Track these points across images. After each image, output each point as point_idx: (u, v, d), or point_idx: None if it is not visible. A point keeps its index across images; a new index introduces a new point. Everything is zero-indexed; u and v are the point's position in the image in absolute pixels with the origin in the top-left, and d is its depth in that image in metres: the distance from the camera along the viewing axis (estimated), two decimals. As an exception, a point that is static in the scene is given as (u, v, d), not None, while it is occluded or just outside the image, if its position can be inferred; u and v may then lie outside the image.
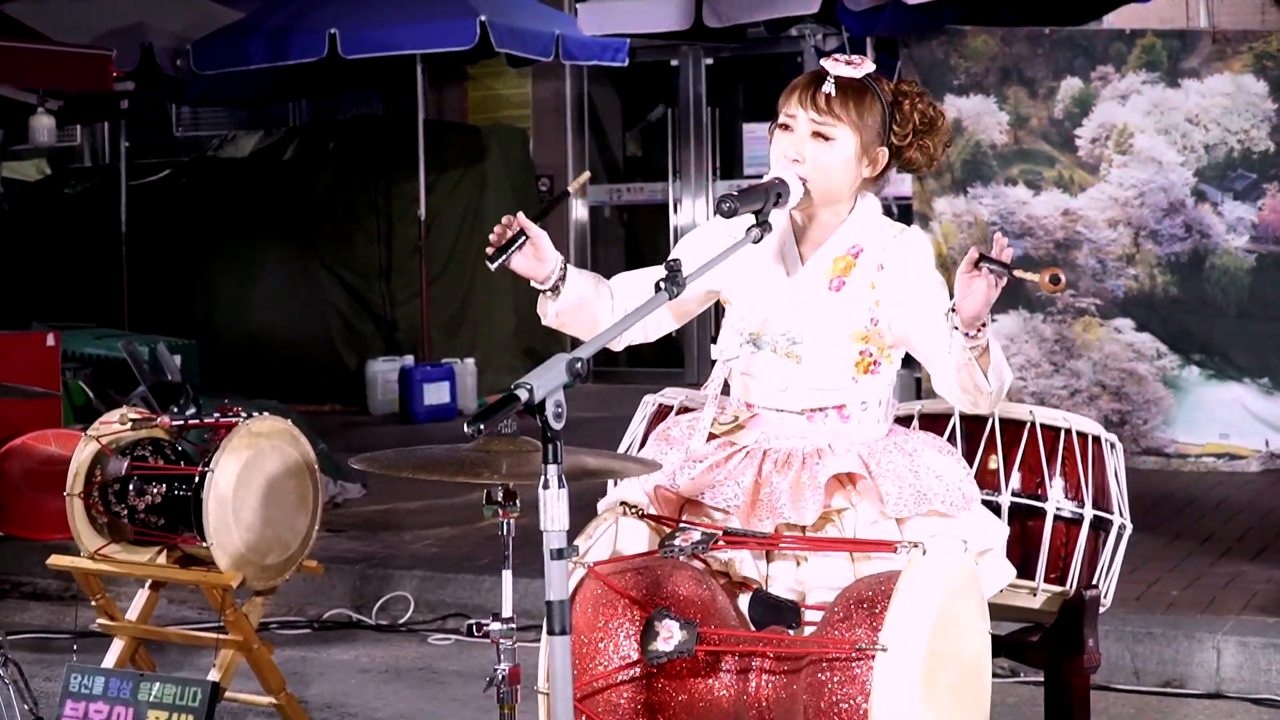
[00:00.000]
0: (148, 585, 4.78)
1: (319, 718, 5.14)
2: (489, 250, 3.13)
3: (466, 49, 10.33)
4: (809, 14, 8.40)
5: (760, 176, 3.21)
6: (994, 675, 3.10)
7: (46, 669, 5.44)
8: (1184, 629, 5.43)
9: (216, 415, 4.62)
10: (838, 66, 3.18)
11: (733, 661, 2.93)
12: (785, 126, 3.18)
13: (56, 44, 9.18)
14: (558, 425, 2.49)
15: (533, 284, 3.21)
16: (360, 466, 3.04)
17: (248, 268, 11.59)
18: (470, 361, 11.24)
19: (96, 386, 8.81)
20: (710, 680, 2.92)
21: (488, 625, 2.98)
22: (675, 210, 12.32)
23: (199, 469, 4.48)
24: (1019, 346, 8.47)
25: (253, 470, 4.50)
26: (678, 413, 3.69)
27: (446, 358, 11.14)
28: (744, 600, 3.07)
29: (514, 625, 2.99)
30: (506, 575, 3.02)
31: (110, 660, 4.67)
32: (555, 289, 3.20)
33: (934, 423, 3.72)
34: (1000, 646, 3.76)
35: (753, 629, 3.01)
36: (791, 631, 2.98)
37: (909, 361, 3.32)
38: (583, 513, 2.98)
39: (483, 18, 10.08)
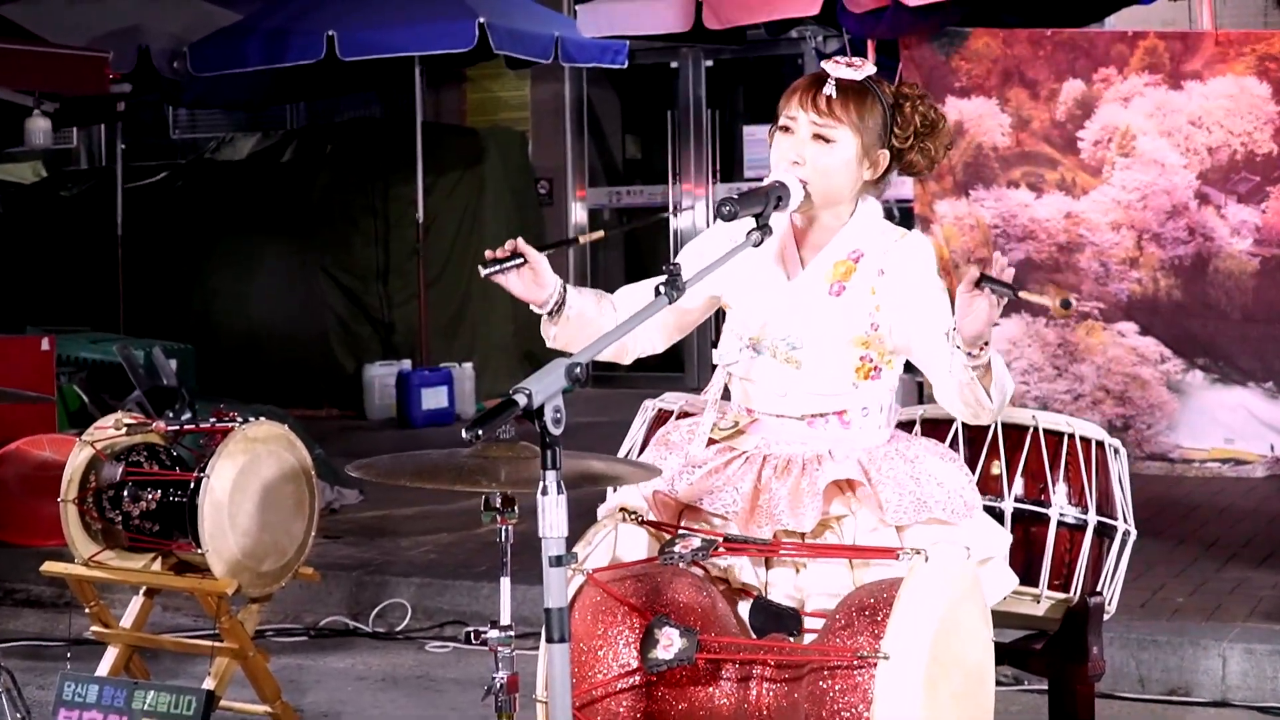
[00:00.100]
0: (142, 592, 4.77)
1: (315, 726, 5.13)
2: (485, 259, 3.14)
3: (465, 51, 10.33)
4: (809, 16, 8.40)
5: (761, 180, 3.21)
6: (997, 683, 3.09)
7: (40, 677, 5.43)
8: (1189, 636, 5.42)
9: (212, 420, 4.62)
10: (839, 68, 3.18)
11: (733, 669, 2.92)
12: (785, 129, 3.18)
13: (53, 46, 9.18)
14: (556, 430, 2.48)
15: (532, 308, 3.22)
16: (357, 474, 3.03)
17: (244, 271, 11.59)
18: (468, 366, 11.24)
19: (91, 391, 8.80)
20: (711, 688, 2.91)
21: (486, 633, 2.98)
22: (675, 213, 12.31)
23: (194, 475, 4.47)
24: (1021, 350, 8.46)
25: (249, 476, 4.49)
26: (678, 418, 3.68)
27: (444, 362, 11.13)
28: (744, 607, 3.07)
29: (512, 633, 2.98)
30: (505, 582, 3.01)
31: (104, 668, 4.66)
32: (555, 312, 3.21)
33: (936, 428, 3.71)
34: (1003, 654, 3.76)
35: (753, 636, 3.00)
36: (793, 639, 2.97)
37: (911, 366, 3.32)
38: (582, 519, 2.97)
39: (481, 19, 10.08)
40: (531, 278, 3.17)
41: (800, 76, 3.26)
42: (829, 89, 3.15)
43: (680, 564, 3.03)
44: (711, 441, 3.26)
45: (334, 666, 5.83)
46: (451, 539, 7.20)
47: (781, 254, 3.25)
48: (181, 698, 4.22)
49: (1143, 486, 5.03)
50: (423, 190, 10.96)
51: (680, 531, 3.11)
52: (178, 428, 4.67)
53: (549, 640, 2.51)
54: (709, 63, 12.43)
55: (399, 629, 6.24)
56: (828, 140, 3.15)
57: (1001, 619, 3.33)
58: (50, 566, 4.77)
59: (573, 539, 2.63)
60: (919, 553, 2.86)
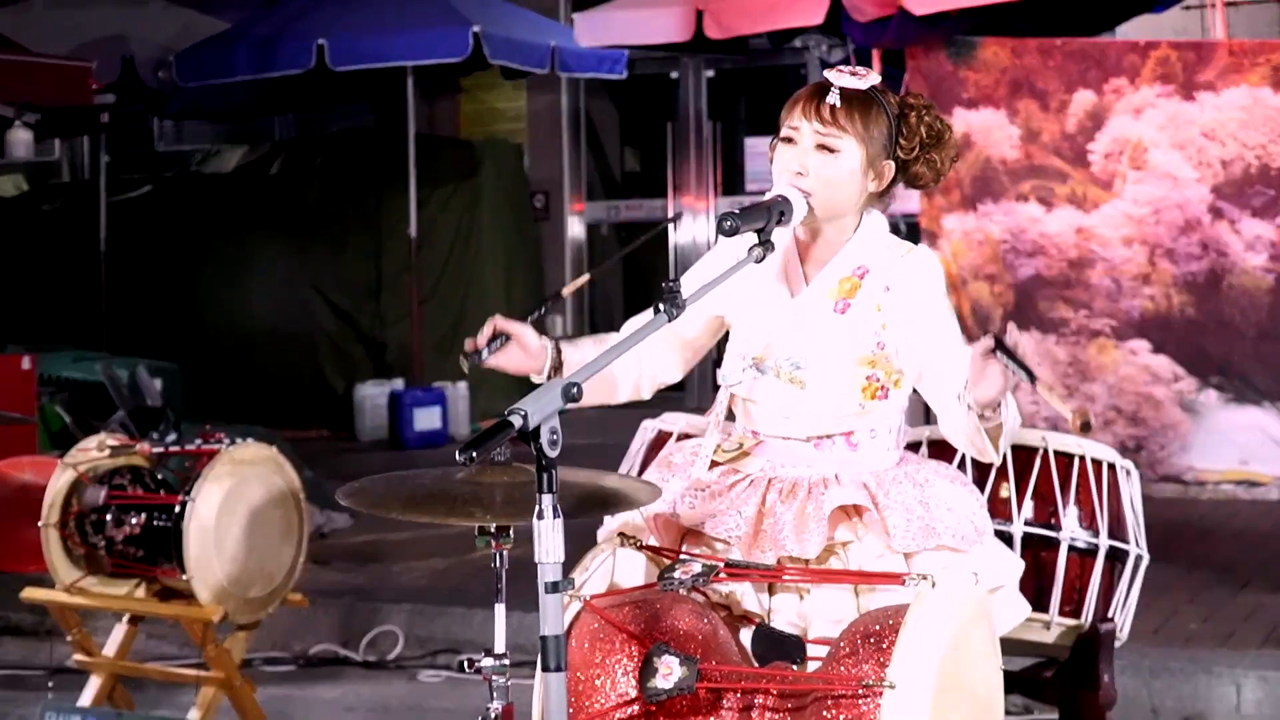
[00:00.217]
0: (126, 619, 4.77)
1: (304, 756, 5.13)
2: (465, 352, 3.14)
3: (459, 60, 10.35)
4: (813, 25, 8.42)
5: (763, 193, 3.21)
6: (1006, 712, 3.08)
7: (21, 706, 5.43)
8: (1203, 663, 5.41)
9: (198, 442, 4.62)
10: (842, 77, 3.18)
11: (735, 699, 2.91)
12: (788, 140, 3.17)
13: (34, 55, 9.19)
14: (553, 453, 2.48)
15: (533, 378, 3.22)
16: (346, 502, 3.02)
17: (231, 287, 11.59)
18: (463, 385, 11.22)
19: (74, 411, 8.80)
20: (711, 718, 2.91)
21: (480, 661, 2.97)
22: (675, 228, 12.32)
23: (179, 498, 4.47)
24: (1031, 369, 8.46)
25: (236, 499, 4.50)
26: (677, 438, 3.68)
27: (438, 381, 11.12)
28: (746, 635, 3.06)
29: (507, 661, 2.98)
30: (499, 609, 3.01)
31: (87, 698, 4.66)
32: (553, 375, 3.20)
33: (943, 450, 3.71)
34: (1013, 682, 3.75)
35: (755, 664, 3.00)
36: (796, 667, 2.97)
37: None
38: (579, 543, 2.97)
39: (476, 28, 10.10)
40: (520, 353, 3.18)
41: (803, 87, 3.26)
42: (833, 98, 3.14)
43: (680, 590, 3.03)
44: (715, 464, 3.25)
45: (323, 697, 5.82)
46: (445, 564, 7.20)
47: (784, 270, 3.25)
48: (166, 728, 4.22)
49: (1155, 509, 5.04)
50: (416, 204, 10.97)
51: (680, 557, 3.11)
52: (162, 449, 4.67)
53: (545, 669, 2.50)
54: (710, 73, 12.46)
55: (390, 658, 6.23)
56: (832, 150, 3.14)
57: (1011, 646, 3.33)
58: (31, 593, 4.77)
59: (569, 564, 2.63)
60: (925, 578, 2.86)
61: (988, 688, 2.97)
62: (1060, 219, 8.46)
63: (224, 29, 10.95)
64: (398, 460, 10.13)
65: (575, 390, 2.53)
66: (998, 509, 3.72)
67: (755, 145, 12.09)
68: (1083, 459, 3.82)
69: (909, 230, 9.00)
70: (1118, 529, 3.85)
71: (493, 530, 2.97)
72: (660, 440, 3.81)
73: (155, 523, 4.53)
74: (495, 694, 2.96)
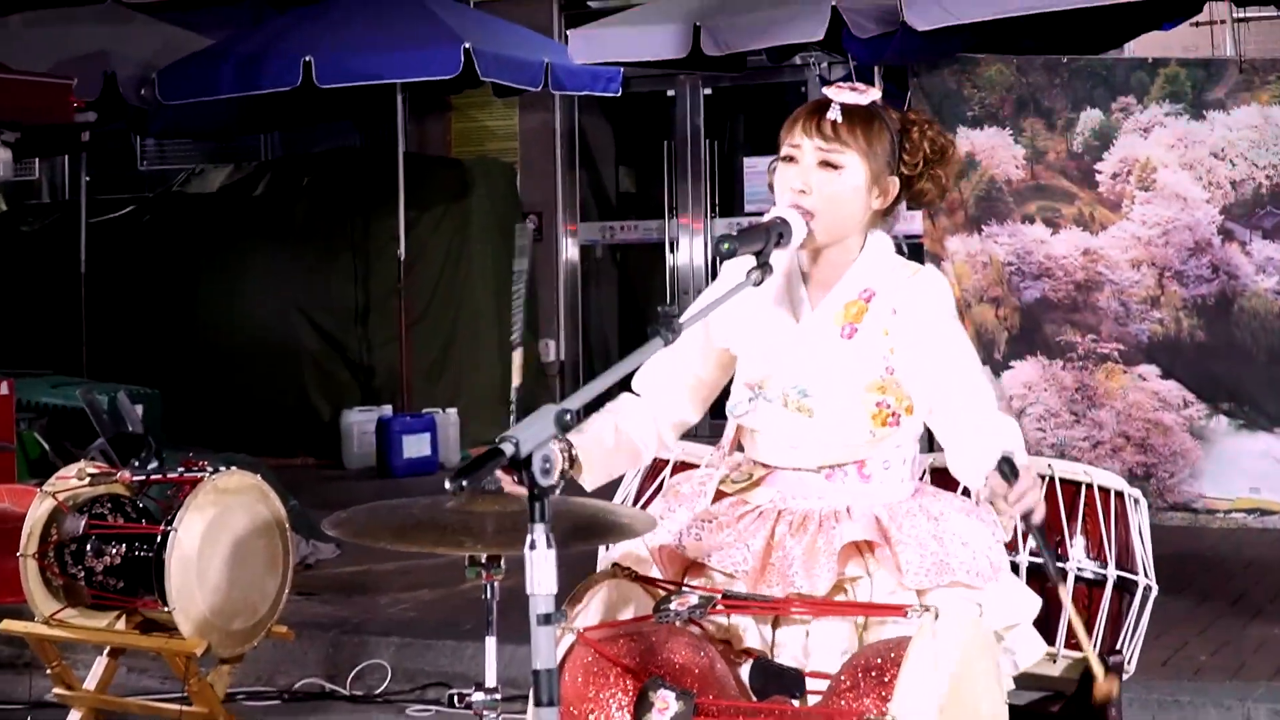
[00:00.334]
0: (106, 652, 4.76)
1: (289, 794, 5.12)
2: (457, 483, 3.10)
3: (450, 78, 10.35)
4: (813, 41, 8.44)
5: (762, 214, 3.21)
6: (1012, 748, 3.08)
7: (-3, 741, 5.42)
8: (1212, 696, 5.41)
9: (180, 469, 4.62)
10: (842, 93, 3.18)
11: (732, 734, 2.91)
12: (789, 159, 3.17)
13: (13, 71, 9.20)
14: (545, 481, 2.48)
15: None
16: (333, 532, 3.02)
17: (215, 311, 11.58)
18: (453, 412, 11.21)
19: (52, 438, 8.79)
20: (708, 754, 2.91)
21: (470, 696, 2.97)
22: (672, 249, 12.33)
23: (161, 528, 4.47)
24: (1037, 395, 8.47)
25: (219, 529, 4.49)
26: (675, 466, 3.68)
27: (427, 407, 11.11)
28: (745, 669, 3.06)
29: (498, 696, 2.98)
30: (490, 642, 3.01)
31: (66, 732, 4.65)
32: (571, 466, 3.15)
33: (946, 477, 3.70)
34: (1018, 716, 3.74)
35: (754, 699, 2.99)
36: (795, 701, 2.97)
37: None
38: (572, 574, 2.97)
39: (467, 45, 10.11)
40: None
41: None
42: (833, 113, 3.14)
43: (676, 622, 3.03)
44: (723, 495, 3.24)
45: (309, 731, 5.81)
46: (434, 596, 7.19)
47: (788, 294, 3.24)
48: (147, 764, 4.21)
49: (1164, 538, 5.02)
50: (405, 225, 10.96)
51: (679, 588, 3.10)
52: (144, 478, 4.67)
53: (537, 704, 2.50)
54: (707, 90, 12.47)
55: (378, 691, 6.22)
56: (835, 166, 3.14)
57: (1017, 679, 3.32)
58: (9, 625, 4.76)
59: (563, 595, 2.63)
60: (928, 609, 2.86)
61: (993, 722, 2.98)
62: (1067, 240, 8.47)
63: (208, 46, 10.96)
64: (386, 489, 10.12)
65: (569, 417, 2.53)
66: (1002, 539, 3.72)
67: (754, 165, 12.10)
68: (1090, 487, 3.82)
69: (911, 251, 9.00)
70: (1126, 559, 3.85)
71: (483, 560, 2.97)
72: (656, 468, 3.80)
73: (136, 553, 4.52)
74: (486, 729, 2.96)
